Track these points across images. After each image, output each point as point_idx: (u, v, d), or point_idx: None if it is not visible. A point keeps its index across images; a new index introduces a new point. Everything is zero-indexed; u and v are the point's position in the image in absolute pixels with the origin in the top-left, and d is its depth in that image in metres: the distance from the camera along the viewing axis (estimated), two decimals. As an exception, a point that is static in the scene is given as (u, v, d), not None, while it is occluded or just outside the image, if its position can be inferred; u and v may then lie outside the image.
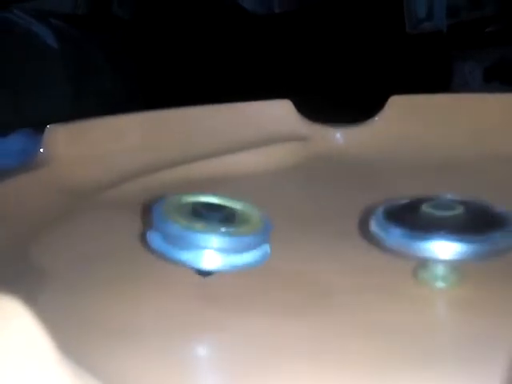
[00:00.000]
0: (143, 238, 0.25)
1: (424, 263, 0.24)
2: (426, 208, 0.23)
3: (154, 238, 0.23)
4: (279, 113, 0.46)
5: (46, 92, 0.88)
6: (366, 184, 0.39)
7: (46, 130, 0.39)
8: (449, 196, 0.25)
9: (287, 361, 0.20)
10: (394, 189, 0.36)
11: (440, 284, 0.24)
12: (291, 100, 0.46)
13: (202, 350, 0.22)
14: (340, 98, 0.92)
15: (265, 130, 0.45)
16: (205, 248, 0.22)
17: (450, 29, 1.01)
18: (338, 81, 0.99)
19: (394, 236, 0.22)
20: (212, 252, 0.22)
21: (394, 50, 1.02)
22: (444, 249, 0.21)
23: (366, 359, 0.20)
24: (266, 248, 0.24)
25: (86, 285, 0.26)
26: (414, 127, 0.44)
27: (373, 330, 0.22)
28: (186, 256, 0.22)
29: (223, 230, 0.22)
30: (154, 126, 0.43)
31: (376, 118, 0.45)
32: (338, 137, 0.45)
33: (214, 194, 0.25)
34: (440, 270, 0.23)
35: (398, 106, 0.44)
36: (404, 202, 0.25)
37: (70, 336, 0.18)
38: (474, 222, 0.22)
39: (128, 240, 0.30)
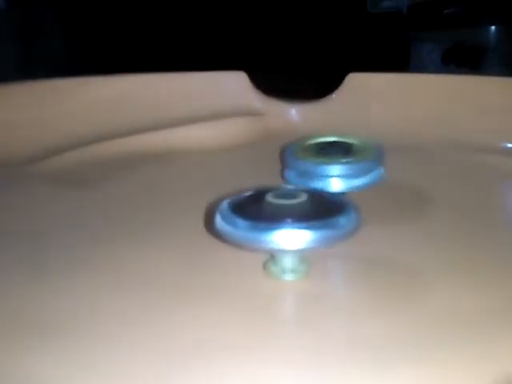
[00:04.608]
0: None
1: (272, 256, 0.23)
2: (270, 198, 0.22)
3: (290, 175, 0.28)
4: (233, 85, 0.44)
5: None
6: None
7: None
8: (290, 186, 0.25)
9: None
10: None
11: (289, 276, 0.23)
12: (246, 72, 0.44)
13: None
14: (297, 74, 0.90)
15: (217, 102, 0.43)
16: (332, 176, 0.27)
17: (409, 9, 1.01)
18: (296, 56, 0.97)
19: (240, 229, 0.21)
20: (337, 179, 0.27)
21: (354, 28, 1.01)
22: (291, 238, 0.21)
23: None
24: (381, 170, 0.28)
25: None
26: (372, 106, 0.42)
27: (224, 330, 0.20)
28: (318, 184, 0.27)
29: (344, 160, 0.28)
30: (93, 92, 0.40)
31: (333, 96, 0.43)
32: (294, 113, 0.43)
33: (334, 134, 0.30)
34: (288, 262, 0.22)
35: (356, 84, 0.43)
36: (248, 193, 0.24)
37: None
38: (317, 209, 0.22)
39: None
